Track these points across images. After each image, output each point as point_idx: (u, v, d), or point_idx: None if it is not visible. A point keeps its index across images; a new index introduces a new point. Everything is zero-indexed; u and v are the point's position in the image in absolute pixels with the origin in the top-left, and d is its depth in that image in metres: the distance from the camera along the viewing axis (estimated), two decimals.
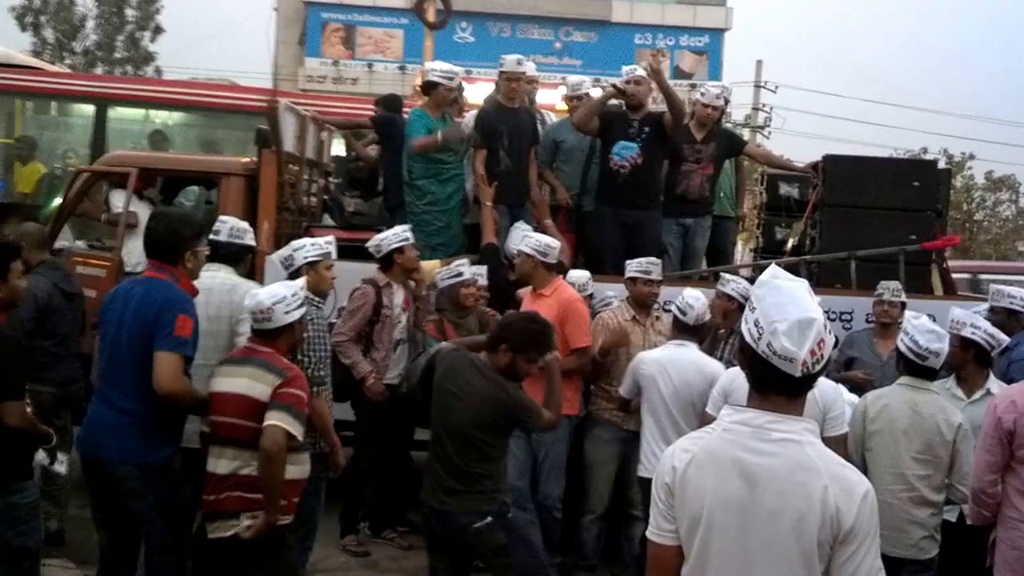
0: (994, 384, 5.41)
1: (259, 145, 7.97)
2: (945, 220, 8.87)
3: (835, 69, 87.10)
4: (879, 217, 8.00)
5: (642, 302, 6.75)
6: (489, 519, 4.81)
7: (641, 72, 7.97)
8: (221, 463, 4.69)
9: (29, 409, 4.65)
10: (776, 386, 2.61)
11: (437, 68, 8.08)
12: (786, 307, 2.57)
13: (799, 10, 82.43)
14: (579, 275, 7.09)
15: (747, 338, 2.62)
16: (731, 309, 6.60)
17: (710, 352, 6.48)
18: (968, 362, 5.44)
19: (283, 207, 7.88)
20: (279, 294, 4.86)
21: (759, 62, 36.37)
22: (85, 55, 39.52)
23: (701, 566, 2.64)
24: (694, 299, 6.10)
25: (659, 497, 2.73)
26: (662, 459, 2.77)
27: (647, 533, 2.79)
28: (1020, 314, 6.34)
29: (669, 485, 2.69)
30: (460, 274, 7.01)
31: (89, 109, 11.53)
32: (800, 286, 2.65)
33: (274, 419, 4.55)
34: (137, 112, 12.28)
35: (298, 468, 4.80)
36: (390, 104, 9.14)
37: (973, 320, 5.42)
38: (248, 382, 4.69)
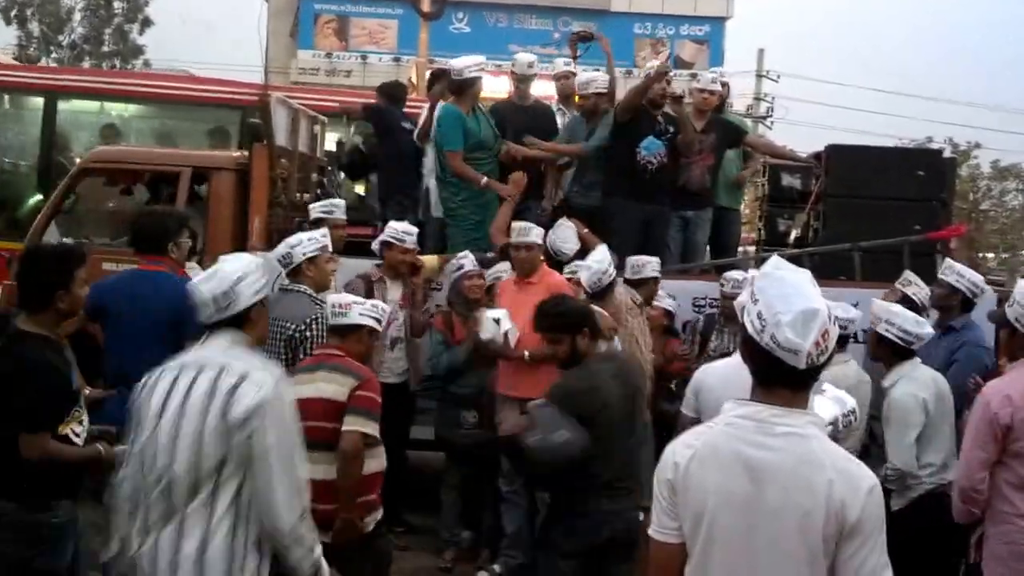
0: (915, 369, 5.30)
1: (250, 139, 7.84)
2: (950, 210, 8.77)
3: (839, 57, 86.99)
4: (883, 207, 7.91)
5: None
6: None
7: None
8: (318, 469, 4.41)
9: (81, 437, 4.41)
10: (780, 379, 2.57)
11: (471, 64, 7.85)
12: (789, 298, 2.53)
13: None
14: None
15: (750, 330, 2.56)
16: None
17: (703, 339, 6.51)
18: (885, 355, 5.41)
19: (275, 203, 7.74)
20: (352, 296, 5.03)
21: (761, 51, 36.21)
22: (72, 49, 39.09)
23: (704, 564, 2.60)
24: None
25: (661, 494, 2.68)
26: (664, 455, 2.71)
27: (650, 531, 2.73)
28: (962, 295, 6.13)
29: (671, 482, 2.64)
30: (462, 267, 6.92)
31: (38, 102, 11.23)
32: (803, 277, 2.62)
33: (352, 424, 4.69)
34: (90, 105, 11.97)
35: (376, 461, 4.93)
36: (392, 93, 8.90)
37: (889, 316, 5.33)
38: (322, 385, 4.74)
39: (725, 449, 2.59)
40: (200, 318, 3.58)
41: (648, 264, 6.84)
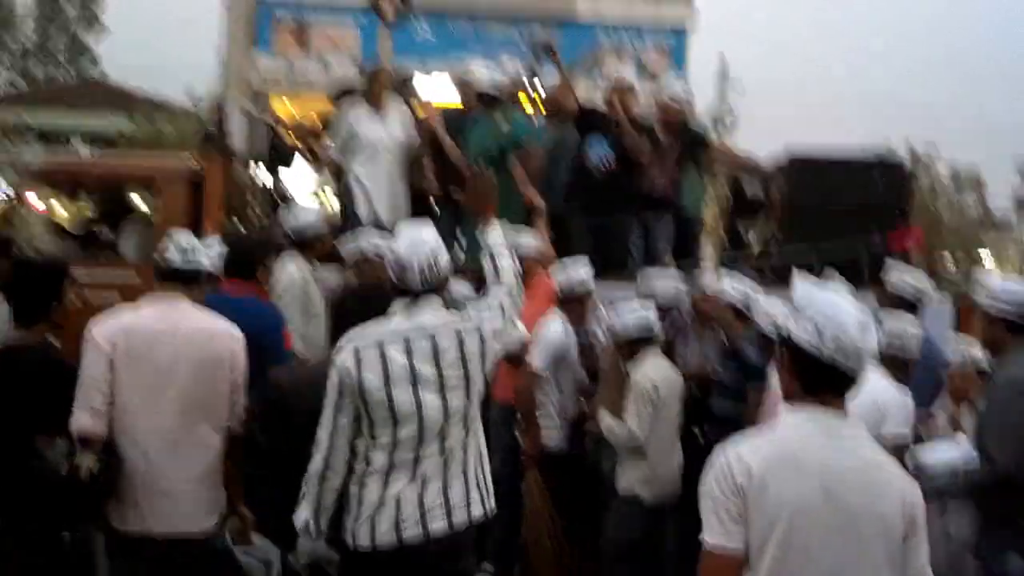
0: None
1: (205, 146, 7.71)
2: (909, 218, 8.77)
3: (803, 64, 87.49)
4: (843, 215, 7.86)
5: None
6: None
7: (630, 79, 8.07)
8: None
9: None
10: (831, 385, 2.64)
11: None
12: (840, 306, 2.65)
13: (765, 6, 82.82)
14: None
15: (802, 339, 2.62)
16: (723, 310, 6.16)
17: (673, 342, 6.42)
18: None
19: (231, 210, 7.62)
20: None
21: (724, 59, 36.39)
22: (23, 56, 38.07)
23: (777, 572, 2.55)
24: None
25: (728, 500, 2.60)
26: (726, 460, 2.64)
27: (708, 540, 2.62)
28: (907, 300, 6.00)
29: (744, 488, 2.58)
30: None
31: None
32: (829, 291, 2.73)
33: None
34: None
35: None
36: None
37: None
38: None
39: (799, 456, 2.60)
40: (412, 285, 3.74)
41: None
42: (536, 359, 6.07)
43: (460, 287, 6.00)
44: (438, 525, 3.66)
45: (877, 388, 4.41)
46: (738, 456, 2.63)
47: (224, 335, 4.27)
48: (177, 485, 4.08)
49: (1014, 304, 4.42)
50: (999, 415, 4.30)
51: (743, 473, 2.59)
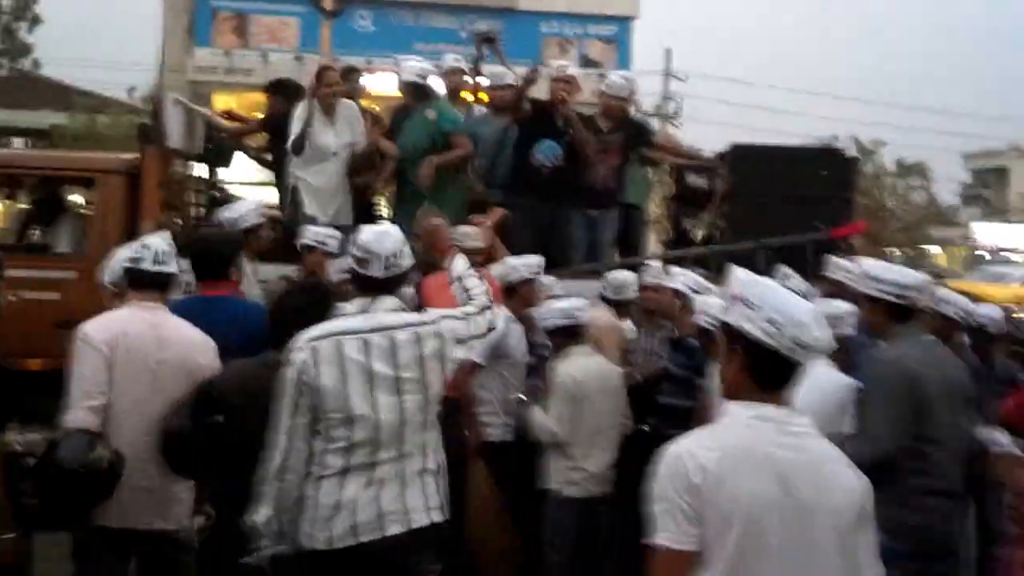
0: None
1: (141, 141, 7.52)
2: (854, 208, 8.84)
3: (747, 57, 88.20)
4: (787, 206, 7.89)
5: None
6: None
7: (572, 71, 8.01)
8: None
9: None
10: (784, 380, 2.65)
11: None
12: (792, 300, 2.67)
13: None
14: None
15: (759, 335, 2.60)
16: (672, 303, 6.15)
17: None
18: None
19: (169, 206, 7.47)
20: None
21: (668, 50, 36.56)
22: None
23: (733, 570, 2.53)
24: None
25: (681, 500, 2.54)
26: (679, 458, 2.59)
27: (661, 541, 2.57)
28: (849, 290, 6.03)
29: (699, 486, 2.53)
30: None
31: None
32: (776, 283, 2.78)
33: None
34: None
35: None
36: (285, 91, 8.51)
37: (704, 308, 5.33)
38: None
39: (753, 451, 2.58)
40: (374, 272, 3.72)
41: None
42: (474, 352, 6.03)
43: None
44: (396, 529, 3.62)
45: (823, 378, 4.40)
46: (691, 454, 2.59)
47: (203, 344, 4.40)
48: (157, 482, 4.19)
49: (895, 286, 4.47)
50: (884, 396, 4.36)
51: (697, 471, 2.55)
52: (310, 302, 4.07)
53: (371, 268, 3.71)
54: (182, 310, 4.57)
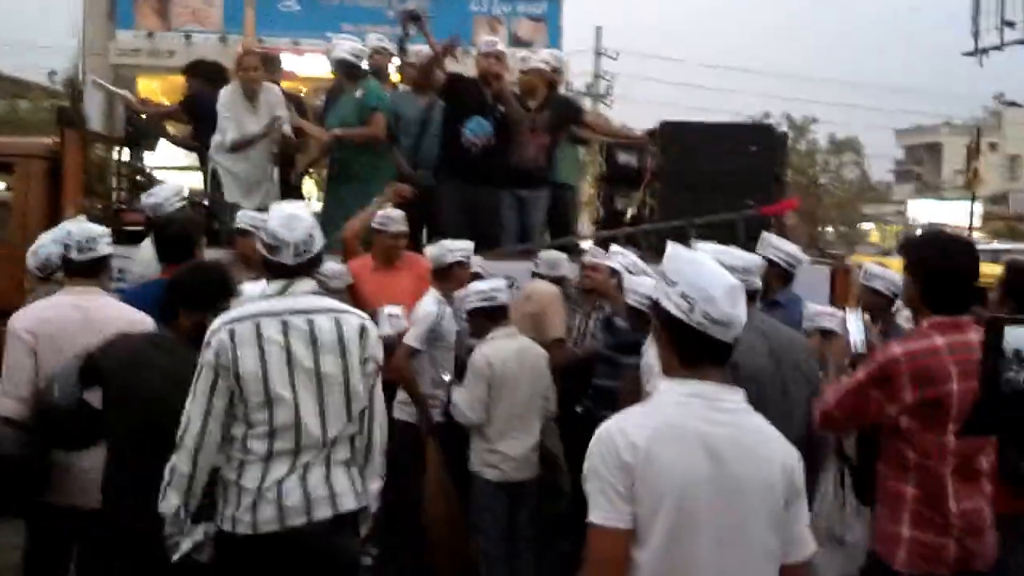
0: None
1: (61, 124, 7.37)
2: (784, 184, 8.90)
3: (677, 35, 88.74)
4: (717, 183, 7.89)
5: None
6: None
7: (501, 47, 8.01)
8: None
9: None
10: (708, 356, 2.64)
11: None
12: (713, 274, 2.64)
13: None
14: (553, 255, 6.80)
15: (674, 311, 2.62)
16: (607, 281, 6.09)
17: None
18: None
19: (90, 192, 7.33)
20: None
21: (599, 28, 36.66)
22: None
23: (670, 547, 2.54)
24: None
25: (614, 477, 2.56)
26: (610, 437, 2.60)
27: (595, 520, 2.57)
28: (779, 267, 6.10)
29: (630, 464, 2.54)
30: None
31: None
32: (707, 257, 2.77)
33: None
34: None
35: None
36: (208, 73, 8.40)
37: (633, 286, 5.38)
38: None
39: (684, 428, 2.58)
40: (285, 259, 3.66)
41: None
42: (408, 335, 6.01)
43: (331, 264, 6.06)
44: (324, 513, 3.59)
45: None
46: (622, 432, 2.59)
47: (140, 325, 4.38)
48: (97, 464, 4.16)
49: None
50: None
51: (628, 449, 2.55)
52: (205, 281, 4.05)
53: (281, 255, 3.66)
54: (146, 293, 4.69)
